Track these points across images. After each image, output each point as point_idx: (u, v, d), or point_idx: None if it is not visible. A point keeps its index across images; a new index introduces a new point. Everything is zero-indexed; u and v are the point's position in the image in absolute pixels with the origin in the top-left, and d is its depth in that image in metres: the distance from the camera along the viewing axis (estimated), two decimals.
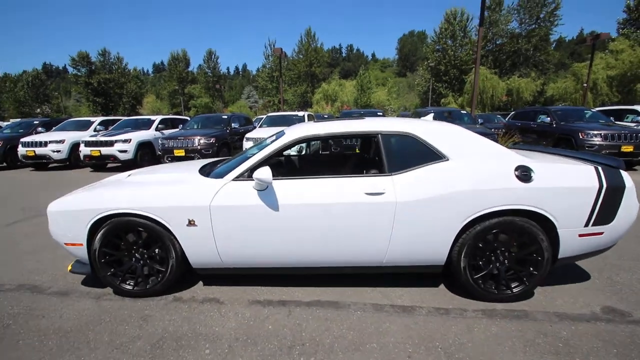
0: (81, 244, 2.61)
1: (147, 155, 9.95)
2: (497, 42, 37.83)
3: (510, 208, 2.31)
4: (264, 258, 2.57)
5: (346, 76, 56.82)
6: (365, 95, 38.16)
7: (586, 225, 2.37)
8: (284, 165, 3.92)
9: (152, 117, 11.28)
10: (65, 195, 2.81)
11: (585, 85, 20.05)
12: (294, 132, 2.66)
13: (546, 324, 2.26)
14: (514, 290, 2.48)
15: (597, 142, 7.94)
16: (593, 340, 2.10)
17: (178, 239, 2.53)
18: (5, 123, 17.32)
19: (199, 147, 8.78)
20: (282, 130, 2.96)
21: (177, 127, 11.25)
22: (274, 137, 2.91)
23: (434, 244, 2.43)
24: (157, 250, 2.61)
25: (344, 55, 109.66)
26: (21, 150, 10.12)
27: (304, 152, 7.08)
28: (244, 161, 2.62)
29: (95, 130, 11.14)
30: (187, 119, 12.64)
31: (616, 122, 9.20)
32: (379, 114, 13.07)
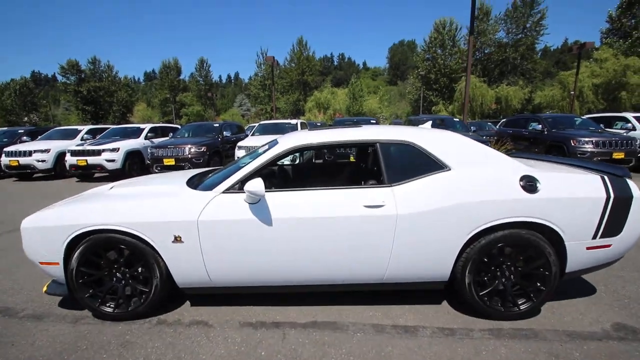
0: (57, 263, 2.41)
1: (135, 165, 9.70)
2: (486, 51, 38.57)
3: (516, 220, 2.20)
4: (256, 276, 2.40)
5: (338, 84, 57.23)
6: (357, 103, 38.42)
7: (594, 237, 2.27)
8: (277, 175, 3.77)
9: (142, 126, 11.05)
10: (42, 209, 2.61)
11: (572, 93, 20.47)
12: (287, 142, 2.51)
13: (557, 344, 2.13)
14: (521, 307, 2.35)
15: (589, 149, 7.99)
16: None
17: (163, 257, 2.34)
18: None
19: (189, 155, 8.57)
20: (275, 140, 2.82)
21: (168, 136, 11.01)
22: (266, 147, 2.76)
23: (437, 259, 2.30)
24: (140, 270, 2.42)
25: (335, 63, 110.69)
26: (4, 160, 9.77)
27: (297, 161, 6.93)
28: (234, 172, 2.46)
29: (82, 139, 10.86)
30: (177, 127, 12.42)
31: (606, 130, 9.30)
32: (372, 121, 13.03)
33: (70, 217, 2.37)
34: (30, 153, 9.70)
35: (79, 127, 11.80)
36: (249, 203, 2.29)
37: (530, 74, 38.43)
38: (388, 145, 2.43)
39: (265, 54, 46.64)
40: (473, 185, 2.23)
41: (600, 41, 30.20)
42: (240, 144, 8.87)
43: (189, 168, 8.29)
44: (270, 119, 20.60)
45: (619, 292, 2.78)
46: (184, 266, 2.36)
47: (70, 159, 9.18)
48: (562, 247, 2.27)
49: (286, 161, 5.05)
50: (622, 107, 23.11)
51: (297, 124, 10.45)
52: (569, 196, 2.21)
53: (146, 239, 2.30)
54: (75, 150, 9.19)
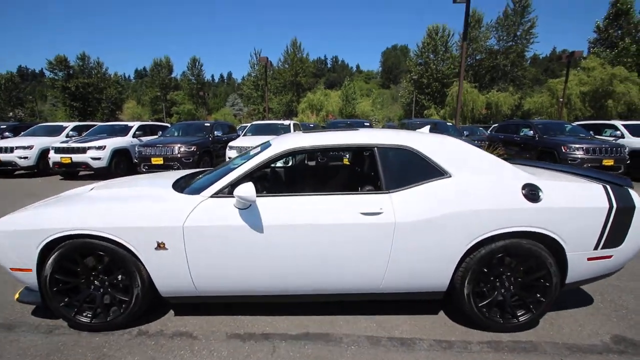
0: (30, 270, 2.23)
1: (122, 164, 9.41)
2: (477, 58, 39.19)
3: (518, 230, 2.12)
4: (245, 286, 2.27)
5: (331, 86, 57.21)
6: (350, 105, 38.41)
7: (595, 248, 2.21)
8: (269, 178, 3.64)
9: (130, 123, 10.75)
10: (15, 211, 2.43)
11: (561, 100, 20.83)
12: (281, 144, 2.39)
13: (557, 358, 2.06)
14: (520, 319, 2.28)
15: (579, 156, 8.06)
16: None
17: (145, 264, 2.19)
18: None
19: (178, 155, 8.35)
20: (268, 142, 2.70)
21: (157, 134, 10.74)
22: (258, 149, 2.63)
23: (435, 269, 2.20)
24: (120, 277, 2.26)
25: (329, 66, 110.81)
26: None
27: (290, 163, 6.80)
28: (224, 175, 2.33)
29: (67, 136, 10.50)
30: (167, 126, 12.13)
31: (596, 137, 9.43)
32: (365, 124, 12.97)
33: (45, 221, 2.20)
34: (12, 149, 9.32)
35: (64, 124, 11.42)
36: (239, 208, 2.16)
37: (520, 81, 39.16)
38: (386, 150, 2.32)
39: (259, 55, 46.38)
40: (474, 193, 2.15)
41: (588, 50, 30.99)
42: (231, 144, 8.69)
43: (178, 168, 8.07)
44: (263, 120, 20.38)
45: (616, 302, 2.73)
46: (168, 274, 2.22)
47: (53, 156, 8.84)
48: (563, 257, 2.20)
49: (278, 163, 4.92)
50: (609, 115, 23.65)
51: (290, 124, 10.31)
52: (571, 206, 2.15)
53: (127, 245, 2.14)
54: (59, 148, 8.85)
